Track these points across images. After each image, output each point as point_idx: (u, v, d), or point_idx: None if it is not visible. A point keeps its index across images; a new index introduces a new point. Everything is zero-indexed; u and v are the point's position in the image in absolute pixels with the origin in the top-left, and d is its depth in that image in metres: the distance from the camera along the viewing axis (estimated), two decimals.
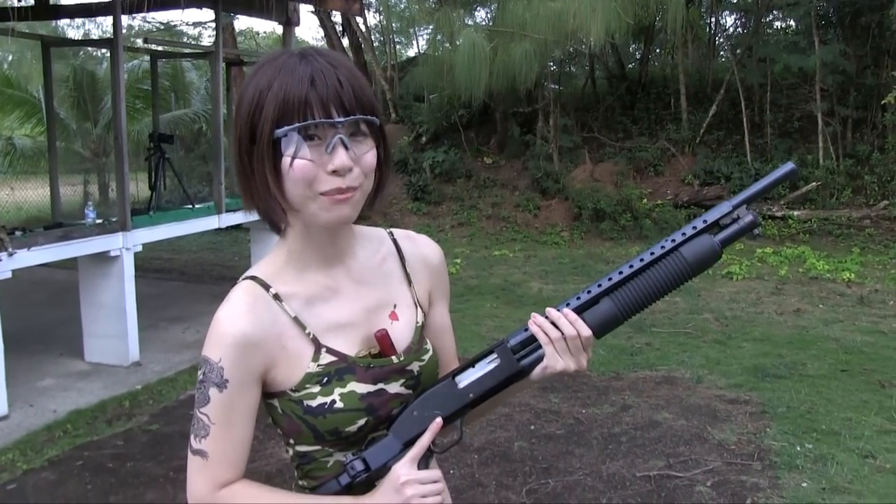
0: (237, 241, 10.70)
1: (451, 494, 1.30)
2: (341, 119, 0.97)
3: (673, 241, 1.06)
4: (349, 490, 1.06)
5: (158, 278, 8.43)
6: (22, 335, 6.12)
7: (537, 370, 1.07)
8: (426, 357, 1.14)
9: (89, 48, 13.97)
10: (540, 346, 1.07)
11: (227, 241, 10.89)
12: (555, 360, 1.05)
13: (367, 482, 1.06)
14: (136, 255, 5.52)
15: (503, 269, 8.75)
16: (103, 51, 11.89)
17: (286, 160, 0.98)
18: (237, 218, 6.73)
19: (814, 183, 10.37)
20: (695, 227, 1.06)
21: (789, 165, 1.08)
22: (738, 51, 12.64)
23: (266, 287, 1.07)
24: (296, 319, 1.07)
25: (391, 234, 1.21)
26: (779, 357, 5.38)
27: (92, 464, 3.88)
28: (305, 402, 1.05)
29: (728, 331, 6.10)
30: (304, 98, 0.96)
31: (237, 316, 1.04)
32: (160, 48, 9.10)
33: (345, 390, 1.05)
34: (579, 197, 10.87)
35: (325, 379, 1.05)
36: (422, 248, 1.22)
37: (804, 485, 3.49)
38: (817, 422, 4.20)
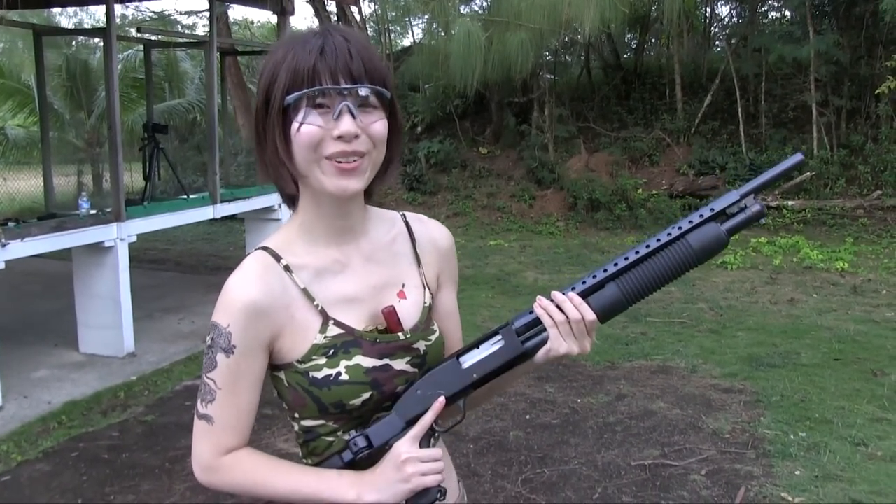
0: (232, 232, 10.67)
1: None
2: (347, 86, 0.99)
3: (679, 228, 1.06)
4: (352, 466, 1.08)
5: (153, 269, 8.41)
6: (16, 326, 6.11)
7: (541, 353, 1.08)
8: (432, 338, 1.15)
9: (82, 37, 13.88)
10: (544, 329, 1.08)
11: (222, 232, 10.87)
12: (558, 342, 1.06)
13: (370, 459, 1.07)
14: (131, 245, 5.49)
15: (498, 259, 8.75)
16: (96, 40, 11.82)
17: (294, 126, 1.00)
18: (232, 208, 6.70)
19: (808, 173, 10.38)
20: (702, 216, 1.06)
21: (798, 156, 1.08)
22: (734, 41, 12.62)
23: (277, 258, 1.09)
24: (305, 291, 1.08)
25: (403, 216, 1.23)
26: (773, 346, 5.40)
27: (87, 455, 3.88)
28: (311, 374, 1.06)
29: (723, 320, 6.12)
30: (312, 66, 0.99)
31: (247, 283, 1.06)
32: (154, 38, 9.05)
33: (350, 363, 1.07)
34: (574, 187, 10.87)
35: (332, 351, 1.07)
36: (432, 231, 1.23)
37: (797, 473, 3.51)
38: (811, 410, 4.22)
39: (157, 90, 12.10)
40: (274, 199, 7.24)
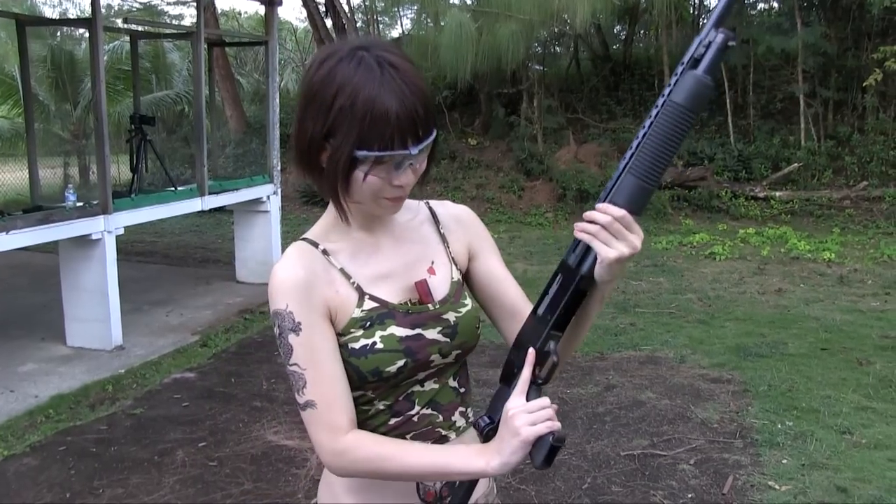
0: (220, 224, 10.62)
1: None
2: (415, 151, 1.07)
3: (662, 96, 1.06)
4: None
5: (141, 261, 8.36)
6: (2, 320, 6.06)
7: (597, 268, 1.08)
8: (463, 310, 1.23)
9: (67, 28, 13.73)
10: (591, 249, 1.09)
11: (211, 224, 10.81)
12: (605, 251, 1.06)
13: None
14: (118, 238, 5.46)
15: None
16: (82, 31, 11.69)
17: (359, 174, 1.08)
18: (220, 200, 6.66)
19: (795, 164, 10.45)
20: (676, 74, 1.06)
21: None
22: None
23: (315, 244, 1.19)
24: (342, 270, 1.17)
25: (427, 203, 1.32)
26: (761, 336, 5.44)
27: (75, 449, 3.86)
28: (350, 345, 1.14)
29: (711, 311, 6.16)
30: (390, 132, 1.04)
31: (291, 265, 1.15)
32: (140, 28, 8.97)
33: (385, 333, 1.15)
34: (563, 178, 10.88)
35: (368, 323, 1.15)
36: (451, 209, 1.33)
37: (784, 461, 3.55)
38: (797, 400, 4.26)
39: (143, 82, 11.99)
40: (262, 190, 7.21)
